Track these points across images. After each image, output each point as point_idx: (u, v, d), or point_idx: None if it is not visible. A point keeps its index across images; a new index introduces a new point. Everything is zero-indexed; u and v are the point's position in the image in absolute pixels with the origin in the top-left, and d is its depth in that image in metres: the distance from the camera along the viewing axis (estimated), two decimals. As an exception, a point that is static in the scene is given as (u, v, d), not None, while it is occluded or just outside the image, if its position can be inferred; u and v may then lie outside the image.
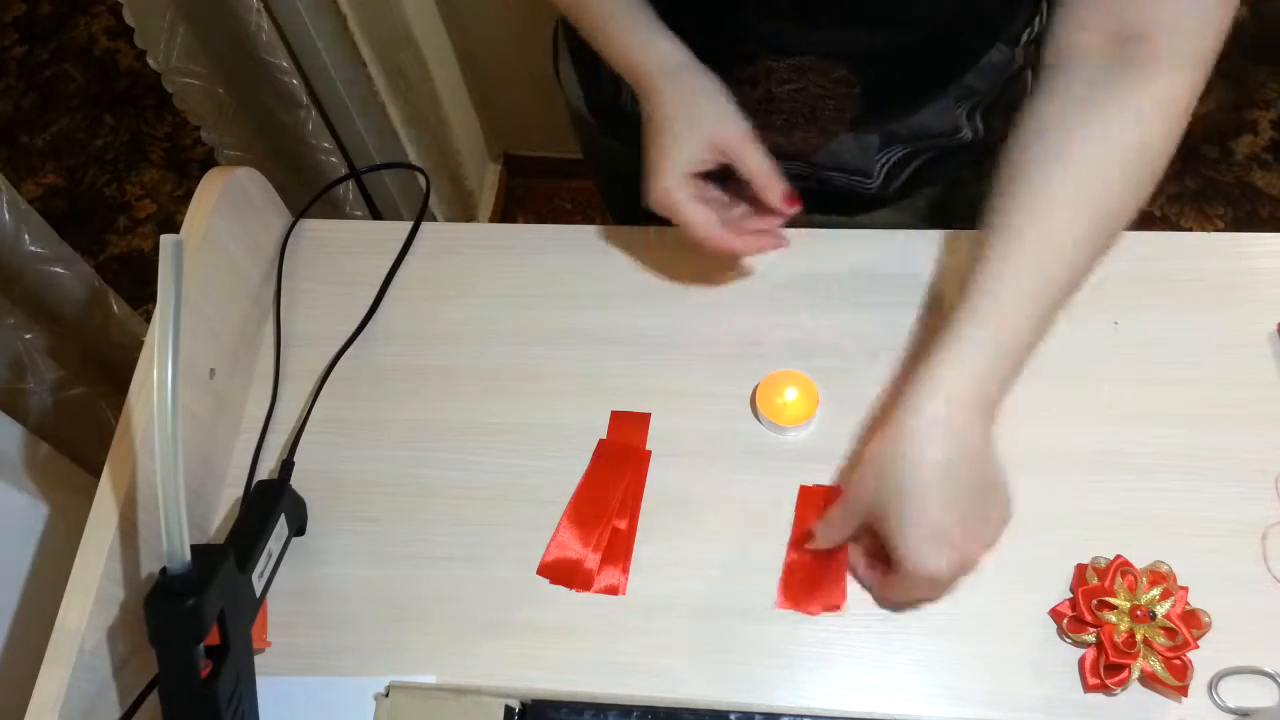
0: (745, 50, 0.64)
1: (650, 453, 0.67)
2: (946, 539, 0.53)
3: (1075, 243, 0.55)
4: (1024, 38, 0.68)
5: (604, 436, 0.68)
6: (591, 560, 0.63)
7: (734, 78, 0.65)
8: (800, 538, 0.62)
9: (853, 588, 0.61)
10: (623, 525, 0.64)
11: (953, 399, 0.54)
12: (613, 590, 0.62)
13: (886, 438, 0.55)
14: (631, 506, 0.65)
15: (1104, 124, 0.55)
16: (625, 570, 0.63)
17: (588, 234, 0.77)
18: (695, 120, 0.63)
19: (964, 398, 0.54)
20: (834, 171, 0.73)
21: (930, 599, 0.59)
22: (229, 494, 0.68)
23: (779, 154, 0.71)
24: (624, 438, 0.67)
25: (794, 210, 0.65)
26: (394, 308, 0.75)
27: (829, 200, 0.76)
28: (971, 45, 0.67)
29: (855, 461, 0.64)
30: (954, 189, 0.78)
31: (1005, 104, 0.72)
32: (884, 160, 0.73)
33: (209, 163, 1.08)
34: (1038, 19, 0.68)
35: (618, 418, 0.68)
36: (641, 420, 0.68)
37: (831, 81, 0.64)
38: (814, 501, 0.63)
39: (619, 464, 0.66)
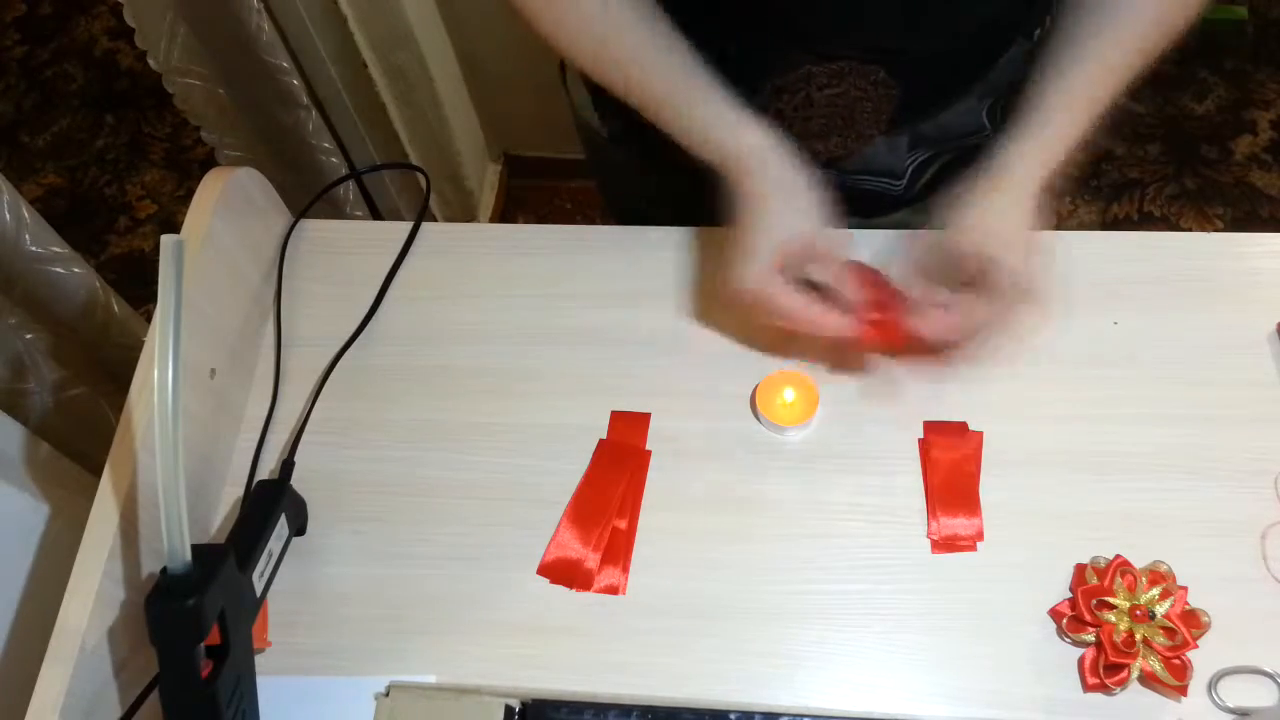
0: (786, 56, 0.65)
1: (650, 453, 0.67)
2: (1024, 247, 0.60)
3: (1122, 67, 0.62)
4: (1037, 34, 0.69)
5: (604, 436, 0.68)
6: (591, 560, 0.63)
7: (774, 84, 0.65)
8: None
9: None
10: (623, 525, 0.64)
11: (1031, 173, 0.61)
12: (613, 590, 0.62)
13: (982, 197, 0.62)
14: (631, 506, 0.65)
15: None
16: (625, 570, 0.63)
17: (588, 234, 0.77)
18: (792, 209, 0.62)
19: (1038, 174, 0.62)
20: (864, 175, 0.73)
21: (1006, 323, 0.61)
22: (229, 494, 0.68)
23: (814, 162, 0.71)
24: (624, 438, 0.67)
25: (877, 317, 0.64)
26: (394, 308, 0.75)
27: (851, 203, 0.76)
28: (998, 42, 0.68)
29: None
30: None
31: (1012, 102, 0.72)
32: (912, 161, 0.73)
33: (209, 163, 1.08)
34: (1049, 15, 0.69)
35: (618, 418, 0.68)
36: (641, 420, 0.68)
37: (870, 84, 0.65)
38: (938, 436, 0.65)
39: (619, 464, 0.66)
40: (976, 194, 0.63)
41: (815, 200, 0.63)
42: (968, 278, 0.62)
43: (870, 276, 0.65)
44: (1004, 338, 0.62)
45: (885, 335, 0.63)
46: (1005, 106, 0.72)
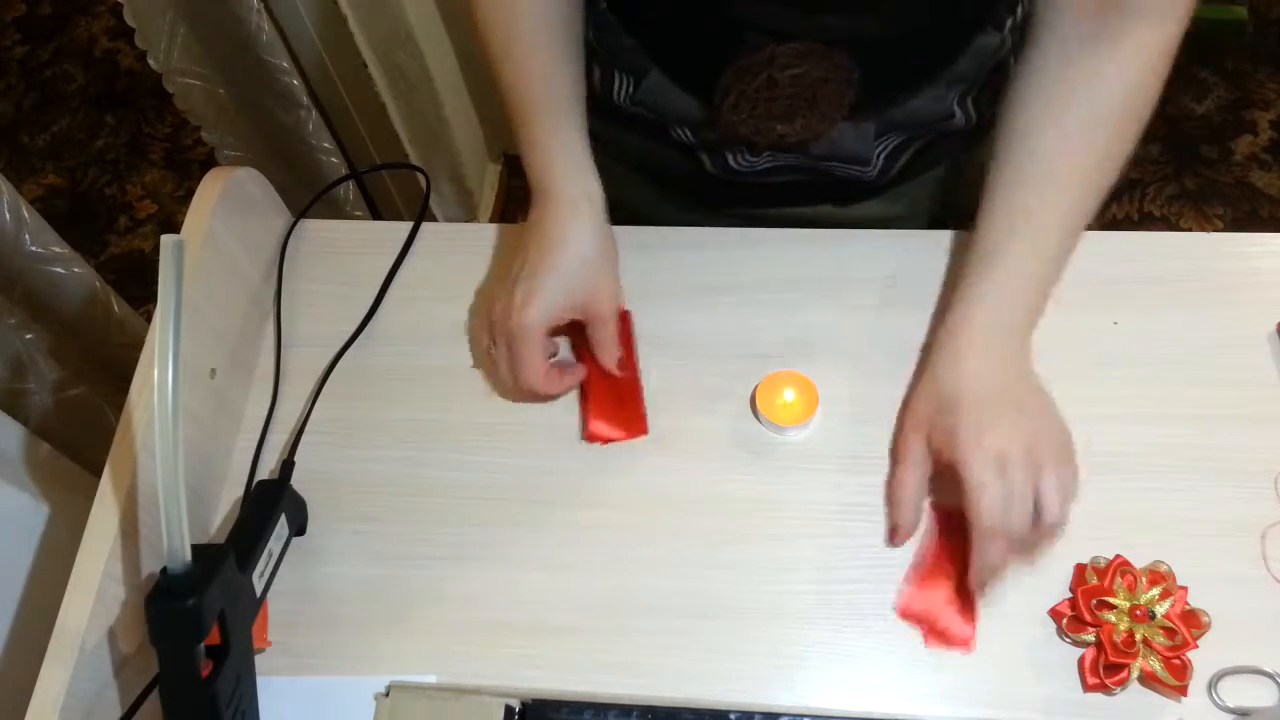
0: (747, 37, 0.65)
1: (629, 313, 0.71)
2: (1000, 440, 0.56)
3: (1077, 189, 0.60)
4: (1009, 23, 0.69)
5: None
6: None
7: (736, 65, 0.65)
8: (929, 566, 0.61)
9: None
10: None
11: (986, 325, 0.60)
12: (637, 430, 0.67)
13: (931, 368, 0.61)
14: (627, 360, 0.68)
15: (1094, 77, 0.60)
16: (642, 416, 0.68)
17: (588, 234, 0.77)
18: (576, 273, 0.65)
19: (993, 325, 0.60)
20: (833, 161, 0.73)
21: (1016, 543, 0.56)
22: (229, 494, 0.68)
23: (781, 146, 0.71)
24: None
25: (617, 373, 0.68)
26: (394, 308, 0.75)
27: (825, 189, 0.76)
28: (964, 30, 0.68)
29: (904, 414, 0.65)
30: (946, 174, 0.78)
31: (993, 89, 0.72)
32: (881, 148, 0.73)
33: (209, 163, 1.08)
34: (1020, 4, 0.69)
35: None
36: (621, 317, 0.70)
37: (832, 67, 0.65)
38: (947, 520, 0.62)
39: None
40: (931, 359, 0.61)
41: (604, 265, 0.66)
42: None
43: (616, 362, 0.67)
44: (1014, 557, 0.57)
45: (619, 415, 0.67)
46: (979, 97, 0.72)
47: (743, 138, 0.70)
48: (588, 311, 0.65)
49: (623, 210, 0.74)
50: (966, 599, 0.59)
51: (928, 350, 0.63)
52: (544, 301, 0.63)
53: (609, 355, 0.67)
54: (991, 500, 0.55)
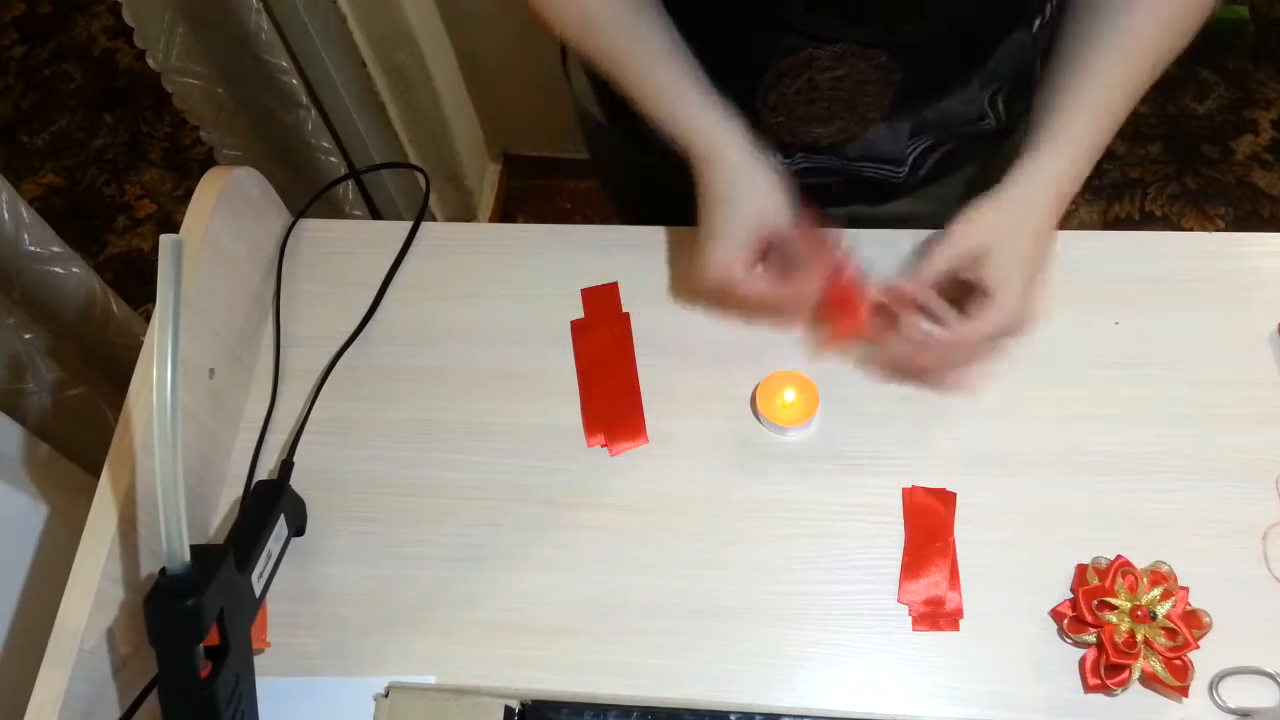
0: (787, 41, 0.65)
1: (628, 315, 0.71)
2: (1024, 282, 0.62)
3: (1151, 69, 0.64)
4: (1037, 23, 0.69)
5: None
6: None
7: (776, 68, 0.66)
8: (914, 538, 0.62)
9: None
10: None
11: (1048, 184, 0.63)
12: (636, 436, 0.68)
13: (999, 205, 0.64)
14: (625, 365, 0.70)
15: None
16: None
17: (588, 234, 0.77)
18: (751, 199, 0.65)
19: (1058, 187, 0.63)
20: (866, 162, 0.74)
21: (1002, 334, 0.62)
22: (229, 494, 0.68)
23: (817, 147, 0.71)
24: (597, 310, 0.72)
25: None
26: (394, 308, 0.75)
27: (855, 191, 0.76)
28: (999, 29, 0.68)
29: (957, 227, 0.65)
30: (974, 176, 0.78)
31: (1022, 90, 0.72)
32: (913, 148, 0.73)
33: (208, 162, 1.08)
34: (1049, 4, 0.69)
35: (588, 294, 0.73)
36: (610, 290, 0.72)
37: (872, 68, 0.65)
38: (919, 500, 0.63)
39: (597, 326, 0.71)
40: (991, 206, 0.64)
41: (776, 187, 0.65)
42: (963, 290, 0.63)
43: (832, 260, 0.66)
44: (973, 367, 0.65)
45: (845, 317, 0.66)
46: (1009, 97, 0.72)
47: (779, 139, 0.70)
48: (769, 225, 0.64)
49: (654, 205, 0.74)
50: (951, 581, 0.61)
51: (1005, 184, 0.64)
52: (719, 258, 0.64)
53: (808, 275, 0.65)
54: (1001, 326, 0.61)
